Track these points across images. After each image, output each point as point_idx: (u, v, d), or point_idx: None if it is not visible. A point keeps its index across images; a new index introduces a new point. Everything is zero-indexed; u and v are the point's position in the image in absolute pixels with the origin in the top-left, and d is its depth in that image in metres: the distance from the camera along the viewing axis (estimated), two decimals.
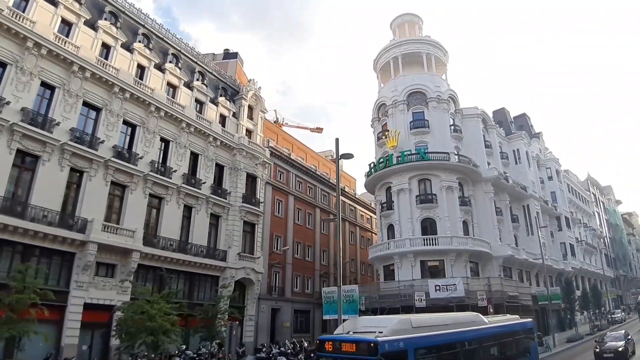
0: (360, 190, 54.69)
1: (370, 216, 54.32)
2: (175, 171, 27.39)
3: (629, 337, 26.21)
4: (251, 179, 33.73)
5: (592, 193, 75.22)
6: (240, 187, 32.17)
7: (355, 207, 52.83)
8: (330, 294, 19.54)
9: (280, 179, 39.17)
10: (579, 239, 57.68)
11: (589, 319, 47.67)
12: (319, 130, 70.72)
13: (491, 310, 25.98)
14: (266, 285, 34.18)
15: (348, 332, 11.40)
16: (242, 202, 31.81)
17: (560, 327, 44.30)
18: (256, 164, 33.92)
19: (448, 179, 36.44)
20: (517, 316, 19.18)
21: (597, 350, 23.58)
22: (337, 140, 19.07)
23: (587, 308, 46.76)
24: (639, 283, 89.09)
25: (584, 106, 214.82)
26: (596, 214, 73.57)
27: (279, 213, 38.12)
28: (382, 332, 10.71)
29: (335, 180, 52.53)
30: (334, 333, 12.47)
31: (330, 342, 11.20)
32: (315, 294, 39.70)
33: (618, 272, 77.28)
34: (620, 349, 23.21)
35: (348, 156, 18.87)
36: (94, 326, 20.98)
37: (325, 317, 19.60)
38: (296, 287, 38.64)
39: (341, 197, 51.52)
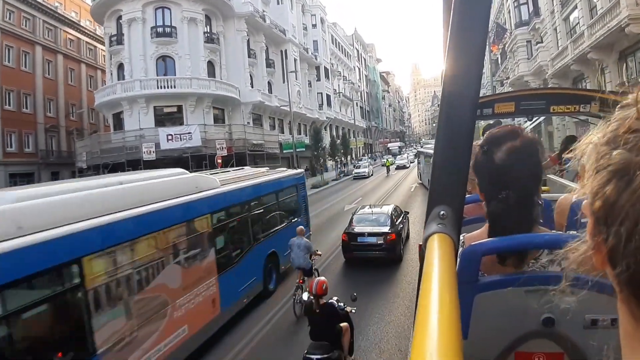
0: None
1: None
2: None
3: None
4: None
5: (356, 48, 78.93)
6: None
7: (95, 47, 42.83)
8: None
9: None
10: (337, 91, 60.33)
11: (336, 165, 51.26)
12: None
13: (219, 161, 23.05)
14: None
15: None
16: None
17: (312, 174, 46.64)
18: None
19: (191, 9, 30.45)
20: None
21: None
22: None
23: (334, 156, 49.70)
24: (387, 134, 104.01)
25: None
26: (357, 68, 78.30)
27: None
28: None
29: (72, 13, 41.00)
30: None
31: None
32: (40, 152, 34.63)
33: (370, 123, 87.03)
34: None
35: None
36: None
37: None
38: (10, 147, 32.09)
39: (76, 34, 40.90)
